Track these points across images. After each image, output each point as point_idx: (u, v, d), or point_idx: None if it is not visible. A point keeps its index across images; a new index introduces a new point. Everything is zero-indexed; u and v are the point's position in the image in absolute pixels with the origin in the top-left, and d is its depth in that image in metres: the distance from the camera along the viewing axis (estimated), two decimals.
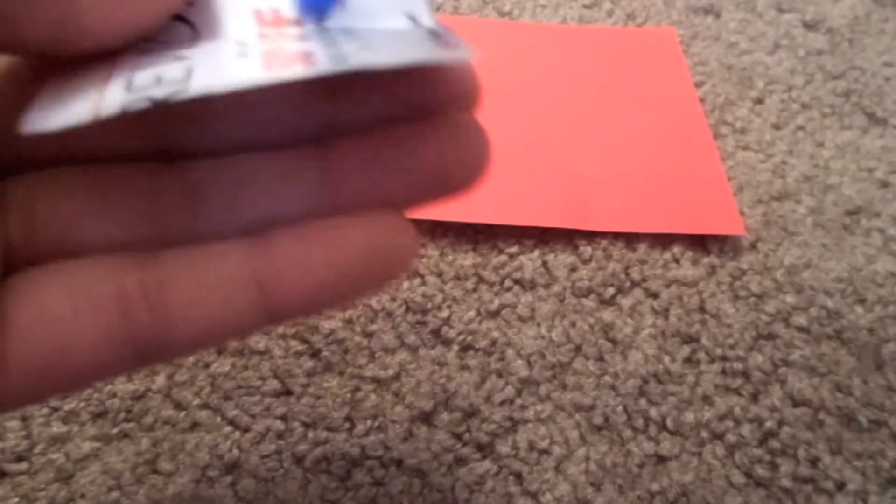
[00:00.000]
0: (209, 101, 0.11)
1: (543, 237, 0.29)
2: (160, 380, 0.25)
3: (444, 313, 0.27)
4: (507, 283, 0.28)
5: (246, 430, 0.24)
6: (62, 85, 0.12)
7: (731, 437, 0.25)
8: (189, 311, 0.12)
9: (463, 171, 0.13)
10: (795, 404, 0.26)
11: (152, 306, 0.11)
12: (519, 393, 0.25)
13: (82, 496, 0.22)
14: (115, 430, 0.23)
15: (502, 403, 0.25)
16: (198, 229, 0.13)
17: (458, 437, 0.24)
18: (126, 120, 0.11)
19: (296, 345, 0.26)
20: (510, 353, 0.26)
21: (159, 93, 0.10)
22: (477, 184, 0.13)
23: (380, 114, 0.13)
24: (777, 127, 0.34)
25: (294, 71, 0.11)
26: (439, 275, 0.28)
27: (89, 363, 0.11)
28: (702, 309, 0.28)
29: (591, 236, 0.29)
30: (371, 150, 0.13)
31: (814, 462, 0.24)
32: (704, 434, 0.25)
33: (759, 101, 0.35)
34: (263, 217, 0.13)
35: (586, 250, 0.29)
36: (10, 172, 0.12)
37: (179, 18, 0.13)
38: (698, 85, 0.35)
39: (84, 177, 0.13)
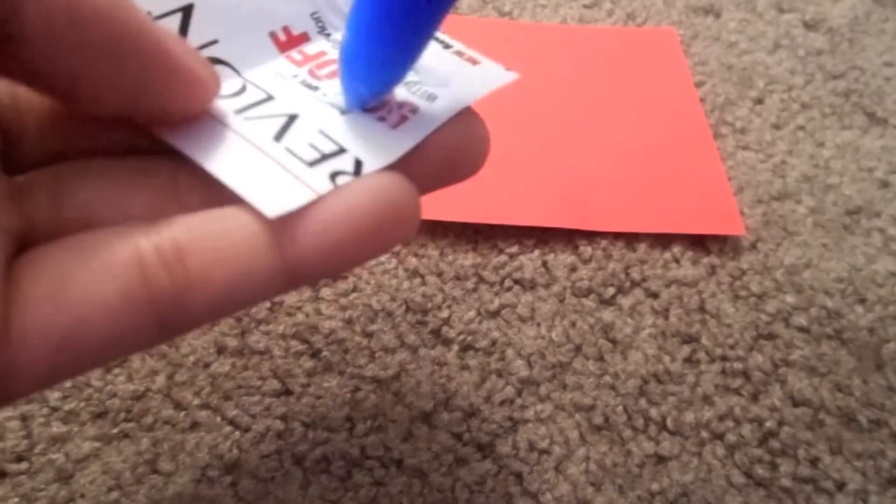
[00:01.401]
0: None
1: (543, 237, 0.29)
2: (160, 380, 0.25)
3: (444, 313, 0.27)
4: (507, 283, 0.28)
5: (246, 430, 0.24)
6: (211, 142, 0.13)
7: (731, 437, 0.25)
8: (209, 273, 0.11)
9: (467, 158, 0.14)
10: (795, 404, 0.26)
11: (171, 270, 0.11)
12: (519, 393, 0.25)
13: (82, 496, 0.22)
14: (115, 430, 0.23)
15: (502, 403, 0.25)
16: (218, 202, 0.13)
17: (458, 437, 0.24)
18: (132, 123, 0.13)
19: (296, 345, 0.26)
20: (510, 353, 0.26)
21: (342, 168, 0.13)
22: (478, 169, 0.15)
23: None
24: (777, 127, 0.34)
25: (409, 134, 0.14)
26: (439, 275, 0.28)
27: (112, 333, 0.11)
28: (702, 309, 0.28)
29: (591, 236, 0.29)
30: None
31: (814, 462, 0.24)
32: (704, 434, 0.25)
33: (759, 101, 0.35)
34: None
35: (586, 250, 0.29)
36: (36, 166, 0.13)
37: (217, 61, 0.14)
38: (698, 85, 0.35)
39: (107, 163, 0.13)
